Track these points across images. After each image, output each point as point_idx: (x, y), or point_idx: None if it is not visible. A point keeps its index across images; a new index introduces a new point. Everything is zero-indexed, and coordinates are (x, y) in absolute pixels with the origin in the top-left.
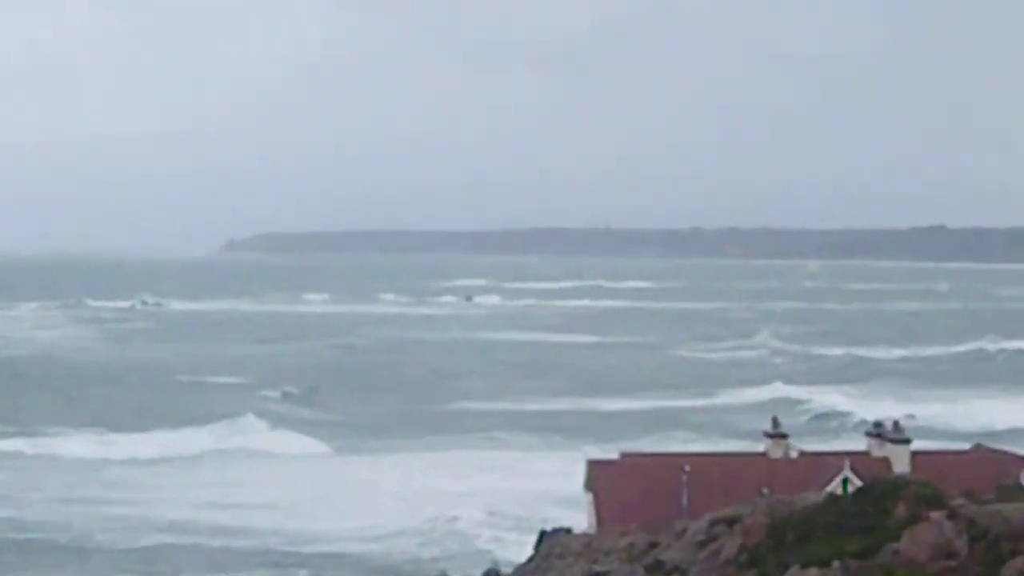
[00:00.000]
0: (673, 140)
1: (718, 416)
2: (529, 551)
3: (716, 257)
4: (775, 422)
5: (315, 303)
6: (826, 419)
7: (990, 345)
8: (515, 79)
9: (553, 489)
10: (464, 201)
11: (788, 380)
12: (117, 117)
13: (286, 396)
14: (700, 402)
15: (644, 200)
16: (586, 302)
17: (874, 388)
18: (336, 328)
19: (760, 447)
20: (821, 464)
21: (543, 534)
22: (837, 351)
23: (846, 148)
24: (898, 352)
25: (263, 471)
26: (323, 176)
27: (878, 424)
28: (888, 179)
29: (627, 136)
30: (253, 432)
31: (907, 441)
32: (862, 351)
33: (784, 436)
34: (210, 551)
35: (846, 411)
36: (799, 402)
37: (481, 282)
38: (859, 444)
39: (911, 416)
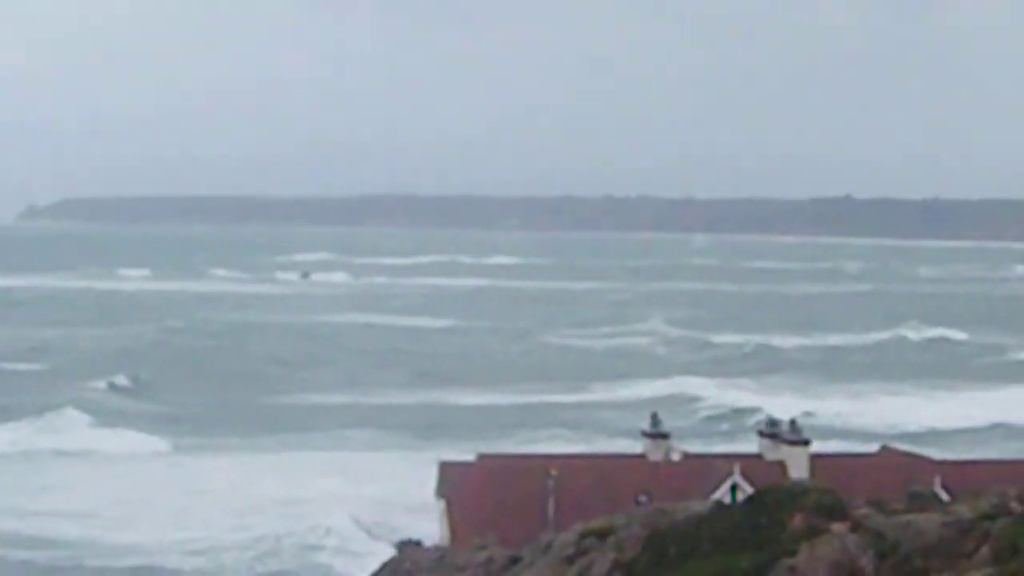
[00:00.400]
0: (541, 99)
1: (595, 413)
2: (374, 565)
3: (590, 230)
4: (654, 419)
5: (135, 279)
6: (720, 417)
7: (912, 333)
8: (358, 23)
9: (403, 495)
10: (302, 164)
11: (679, 372)
12: None
13: (113, 387)
14: (573, 397)
15: (507, 165)
16: (444, 280)
17: (775, 382)
18: (161, 308)
19: (638, 448)
20: (707, 468)
21: (400, 546)
22: (735, 339)
23: (739, 111)
24: (803, 341)
25: (80, 473)
26: (139, 136)
27: (772, 423)
28: (787, 145)
29: (488, 93)
30: (72, 428)
31: (805, 442)
32: (763, 339)
33: (665, 436)
34: (10, 566)
35: (744, 407)
36: (692, 398)
37: (325, 256)
38: (752, 446)
39: (809, 414)
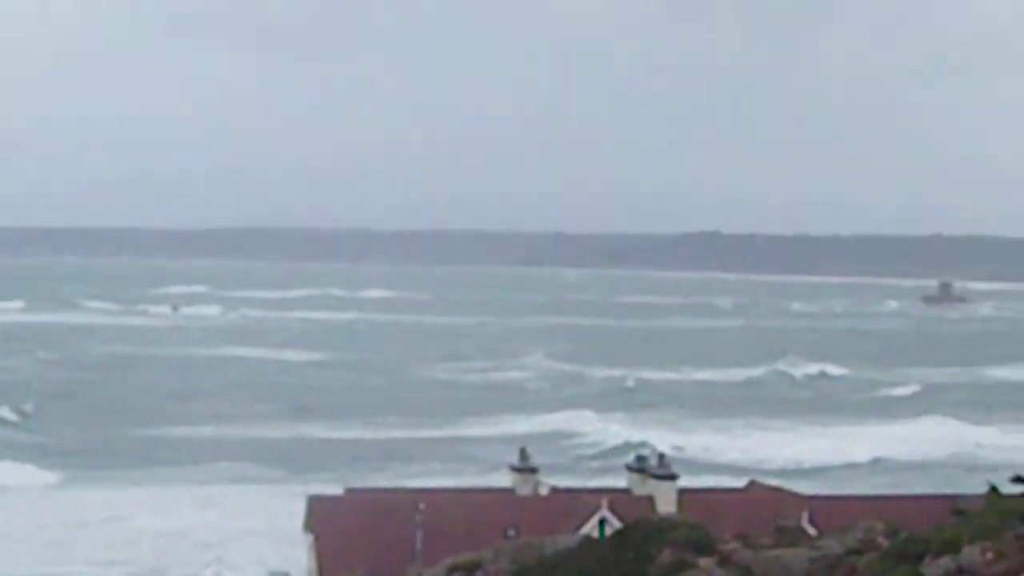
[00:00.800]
0: (411, 132)
1: (469, 448)
2: None
3: (461, 264)
4: (523, 453)
5: (9, 311)
6: (598, 452)
7: (792, 369)
8: (222, 54)
9: (274, 528)
10: (170, 196)
11: (557, 406)
12: None
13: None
14: (448, 431)
15: (378, 199)
16: (317, 314)
17: (651, 416)
18: (36, 340)
19: (506, 482)
20: (575, 502)
21: None
22: (613, 373)
23: (609, 146)
24: (679, 376)
25: None
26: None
27: (640, 458)
28: (657, 180)
29: (357, 126)
30: None
31: (673, 477)
32: (640, 374)
33: (533, 470)
34: None
35: (620, 443)
36: (569, 432)
37: (198, 289)
38: (622, 480)
39: (679, 448)
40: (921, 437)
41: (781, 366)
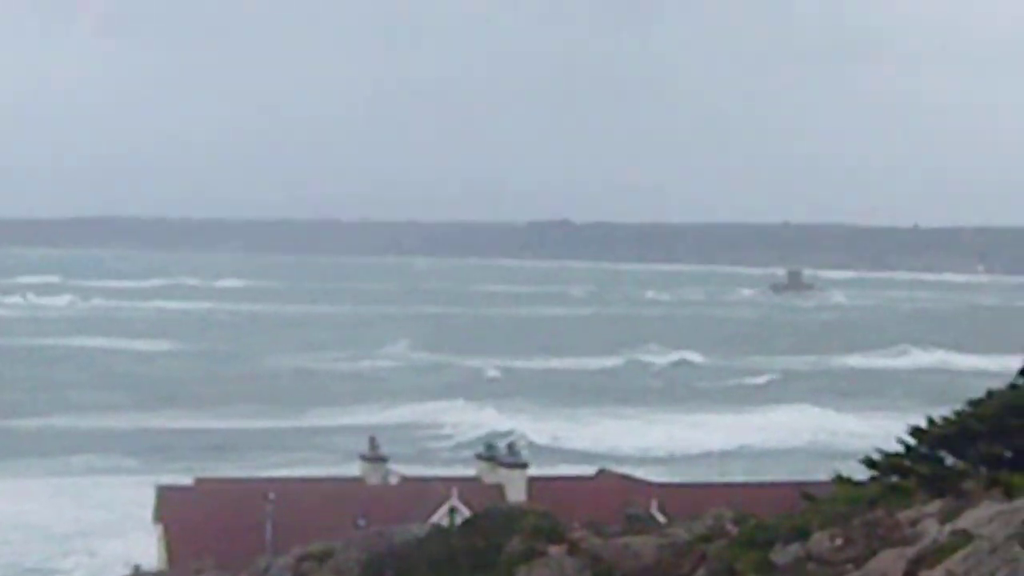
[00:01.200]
0: (257, 120)
1: (324, 438)
2: None
3: (310, 253)
4: (372, 443)
5: None
6: (458, 442)
7: (652, 357)
8: (71, 38)
9: (124, 519)
10: (15, 184)
11: (419, 396)
12: None
13: None
14: (302, 422)
15: (227, 188)
16: (171, 303)
17: (514, 405)
18: None
19: (356, 471)
20: (425, 491)
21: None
22: (475, 363)
23: (455, 135)
24: (541, 364)
25: None
26: None
27: (490, 446)
28: (503, 169)
29: (203, 114)
30: None
31: (523, 465)
32: (504, 363)
33: (383, 459)
34: None
35: (485, 432)
36: (429, 424)
37: (50, 279)
38: (473, 469)
39: (521, 436)
40: (777, 425)
41: (639, 355)
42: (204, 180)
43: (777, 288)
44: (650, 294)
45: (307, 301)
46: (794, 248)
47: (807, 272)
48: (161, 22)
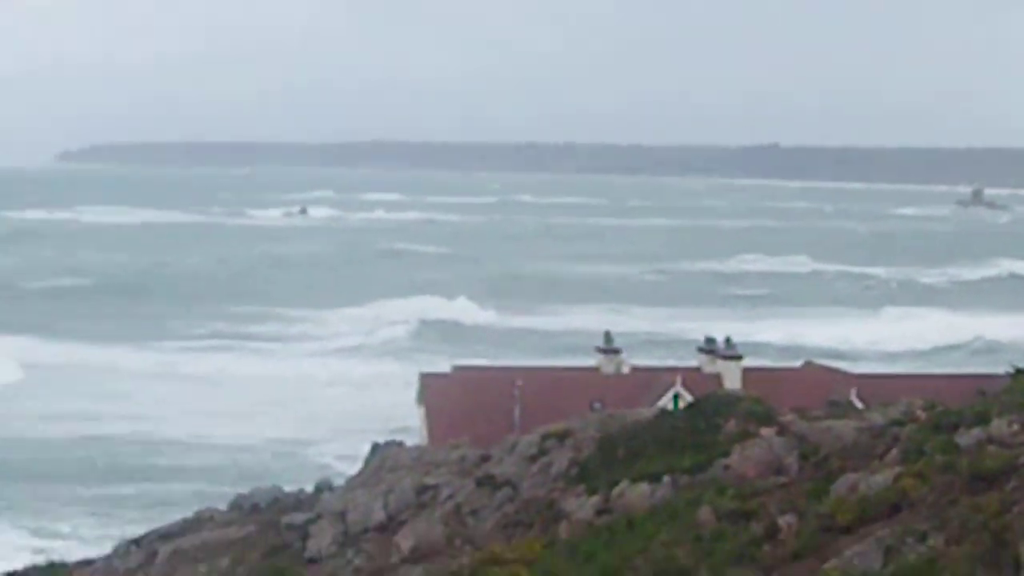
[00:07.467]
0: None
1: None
2: (360, 464)
3: (554, 172)
4: (607, 337)
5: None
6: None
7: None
8: None
9: (388, 401)
10: (307, 109)
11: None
12: None
13: None
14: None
15: (476, 113)
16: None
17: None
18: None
19: (592, 362)
20: (653, 380)
21: (375, 447)
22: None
23: (684, 64)
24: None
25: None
26: (155, 83)
27: (710, 340)
28: (719, 94)
29: (477, 42)
30: None
31: (738, 357)
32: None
33: (617, 351)
34: None
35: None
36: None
37: (325, 194)
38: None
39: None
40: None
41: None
42: (461, 107)
43: (963, 203)
44: (902, 211)
45: (664, 215)
46: (978, 169)
47: (988, 191)
48: None
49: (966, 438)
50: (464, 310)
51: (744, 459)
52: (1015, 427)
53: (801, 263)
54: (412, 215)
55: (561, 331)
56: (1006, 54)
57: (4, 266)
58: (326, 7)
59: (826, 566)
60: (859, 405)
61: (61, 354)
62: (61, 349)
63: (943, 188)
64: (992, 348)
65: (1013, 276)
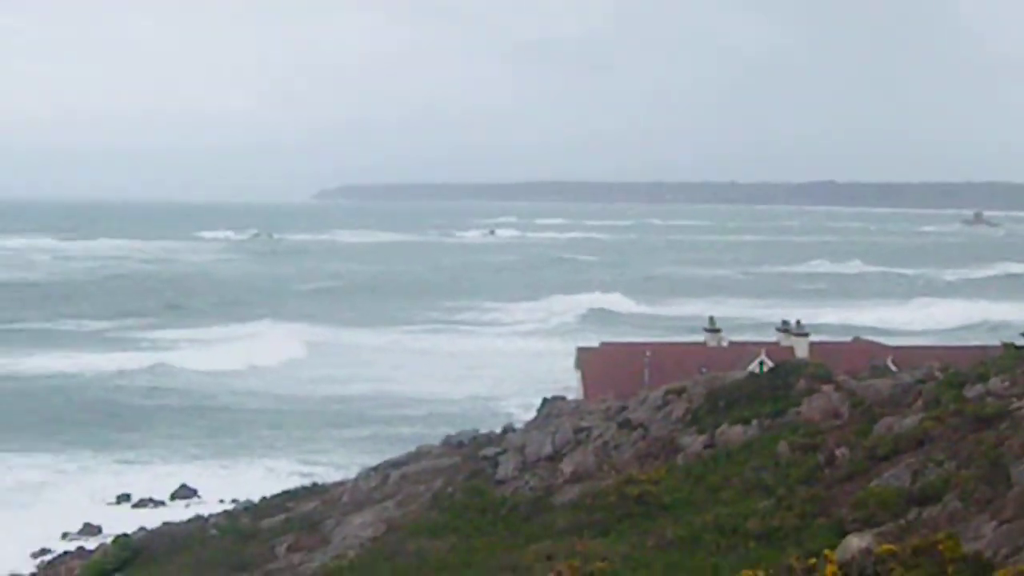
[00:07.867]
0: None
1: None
2: (535, 413)
3: (683, 203)
4: (712, 320)
5: (469, 237)
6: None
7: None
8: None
9: (555, 368)
10: (484, 157)
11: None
12: (223, 92)
13: None
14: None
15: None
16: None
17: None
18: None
19: (701, 339)
20: (744, 351)
21: (545, 400)
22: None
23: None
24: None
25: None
26: (396, 135)
27: (785, 322)
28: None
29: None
30: None
31: (806, 334)
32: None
33: (718, 330)
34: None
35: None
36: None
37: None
38: (773, 338)
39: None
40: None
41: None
42: (604, 154)
43: (967, 222)
44: (924, 228)
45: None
46: (978, 197)
47: (987, 213)
48: None
49: (972, 391)
50: (614, 302)
51: (810, 408)
52: (1006, 383)
53: (853, 266)
54: (574, 234)
55: (680, 316)
56: (1002, 114)
57: (284, 274)
58: (527, 83)
59: (871, 485)
60: (894, 369)
61: (325, 336)
62: (324, 332)
63: (952, 211)
64: (995, 328)
65: (1010, 275)
